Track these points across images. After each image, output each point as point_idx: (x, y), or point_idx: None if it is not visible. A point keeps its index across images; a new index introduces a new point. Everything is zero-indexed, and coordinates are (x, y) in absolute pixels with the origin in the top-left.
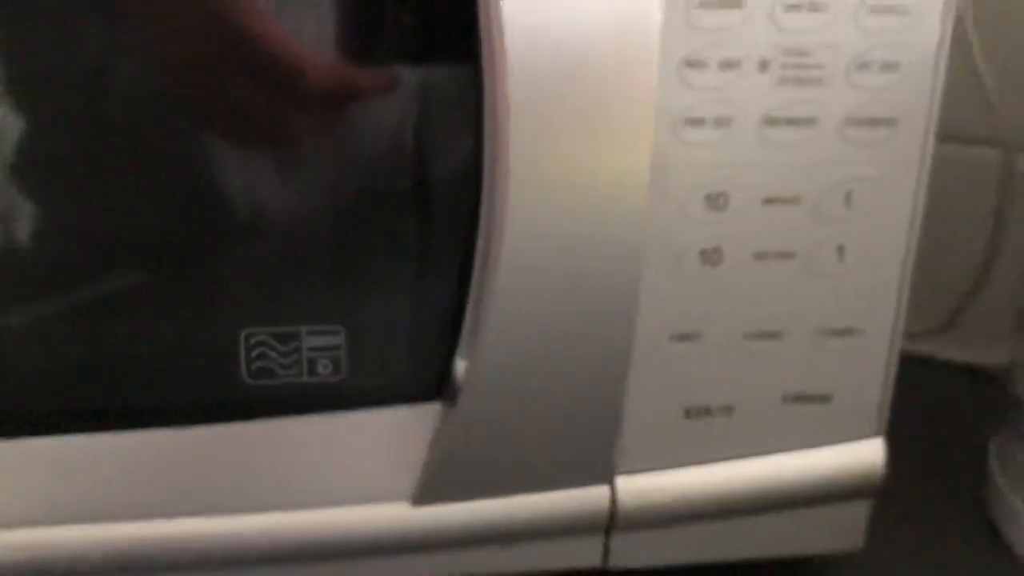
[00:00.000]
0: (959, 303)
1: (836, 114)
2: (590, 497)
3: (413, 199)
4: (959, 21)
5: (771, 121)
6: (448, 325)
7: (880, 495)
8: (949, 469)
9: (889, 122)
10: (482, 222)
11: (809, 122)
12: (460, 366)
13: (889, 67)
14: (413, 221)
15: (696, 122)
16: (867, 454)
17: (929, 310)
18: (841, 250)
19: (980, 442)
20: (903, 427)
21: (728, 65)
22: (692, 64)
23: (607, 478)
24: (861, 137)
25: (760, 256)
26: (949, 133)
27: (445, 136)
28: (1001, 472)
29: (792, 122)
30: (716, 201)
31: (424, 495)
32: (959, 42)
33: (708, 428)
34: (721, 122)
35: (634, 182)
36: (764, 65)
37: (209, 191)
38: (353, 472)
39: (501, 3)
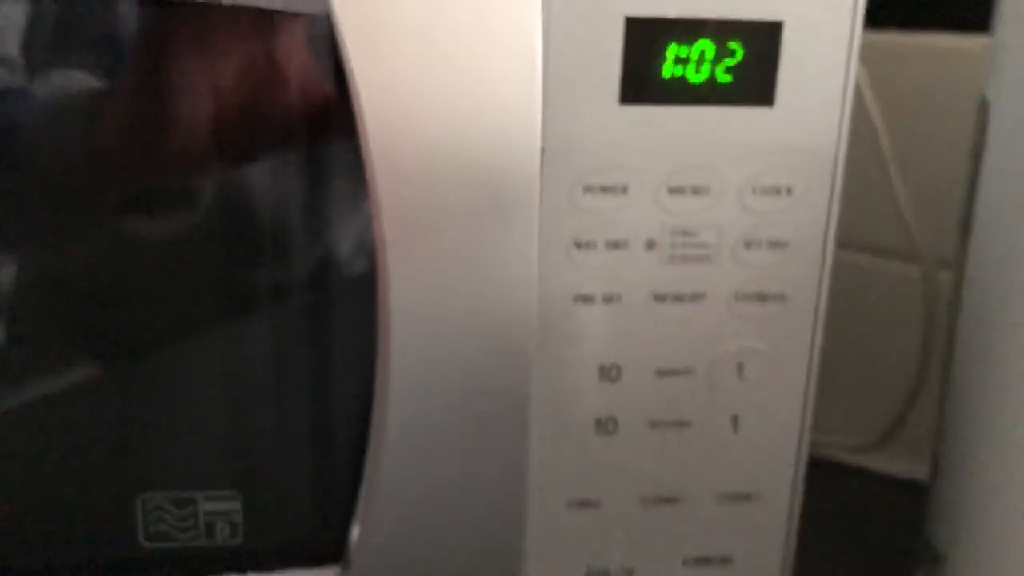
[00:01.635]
0: (897, 416)
1: (724, 290)
2: None
3: (311, 370)
4: (876, 142)
5: (660, 297)
6: (347, 491)
7: None
8: None
9: (778, 297)
10: (376, 396)
11: (698, 298)
12: (354, 532)
13: (776, 245)
14: (311, 393)
15: (586, 298)
16: None
17: (868, 423)
18: (735, 419)
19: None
20: (836, 537)
21: (615, 245)
22: (580, 244)
23: None
24: (750, 312)
25: (655, 424)
26: (876, 249)
27: (340, 306)
28: None
29: (681, 298)
30: (609, 372)
31: None
32: (878, 164)
33: None
34: (611, 298)
35: (518, 358)
36: (651, 244)
37: (104, 354)
38: None
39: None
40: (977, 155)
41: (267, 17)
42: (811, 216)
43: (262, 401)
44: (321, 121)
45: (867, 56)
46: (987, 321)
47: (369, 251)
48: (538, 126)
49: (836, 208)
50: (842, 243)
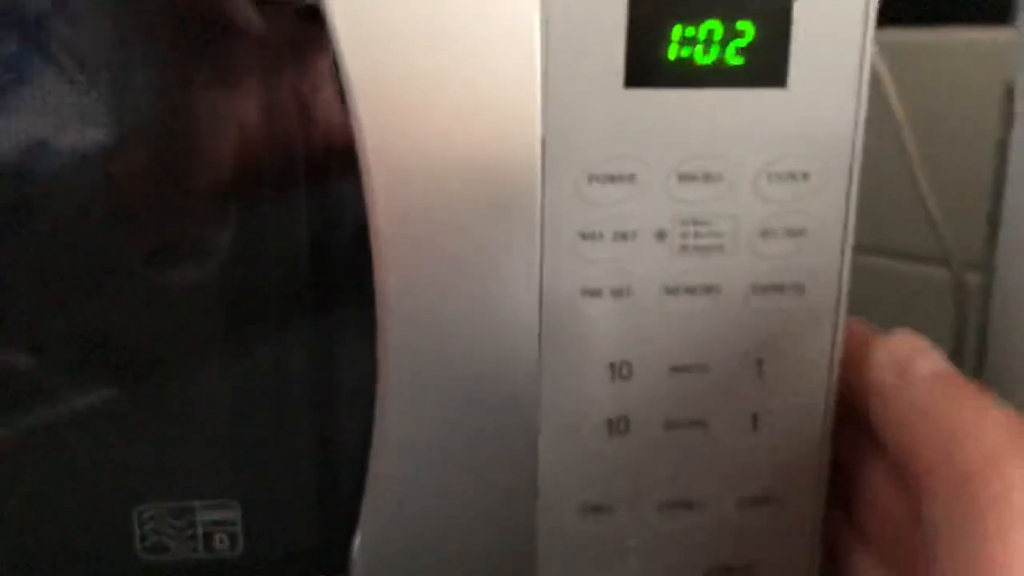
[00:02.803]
0: None
1: (741, 282)
2: None
3: (312, 378)
4: (900, 141)
5: (672, 290)
6: (349, 500)
7: None
8: None
9: (797, 288)
10: (377, 403)
11: (712, 290)
12: (357, 542)
13: (794, 233)
14: (313, 401)
15: (594, 292)
16: None
17: None
18: (755, 418)
19: None
20: None
21: (623, 236)
22: (586, 236)
23: None
24: (768, 305)
25: (670, 425)
26: (903, 252)
27: (339, 311)
28: None
29: (694, 291)
30: (619, 370)
31: None
32: (903, 164)
33: None
34: (619, 292)
35: (523, 358)
36: (661, 235)
37: (105, 364)
38: None
39: (376, 204)
40: (1003, 146)
41: (263, 34)
42: (829, 202)
43: (263, 410)
44: (316, 120)
45: (888, 53)
46: (1019, 322)
47: (367, 254)
48: (537, 115)
49: (855, 193)
50: (869, 247)
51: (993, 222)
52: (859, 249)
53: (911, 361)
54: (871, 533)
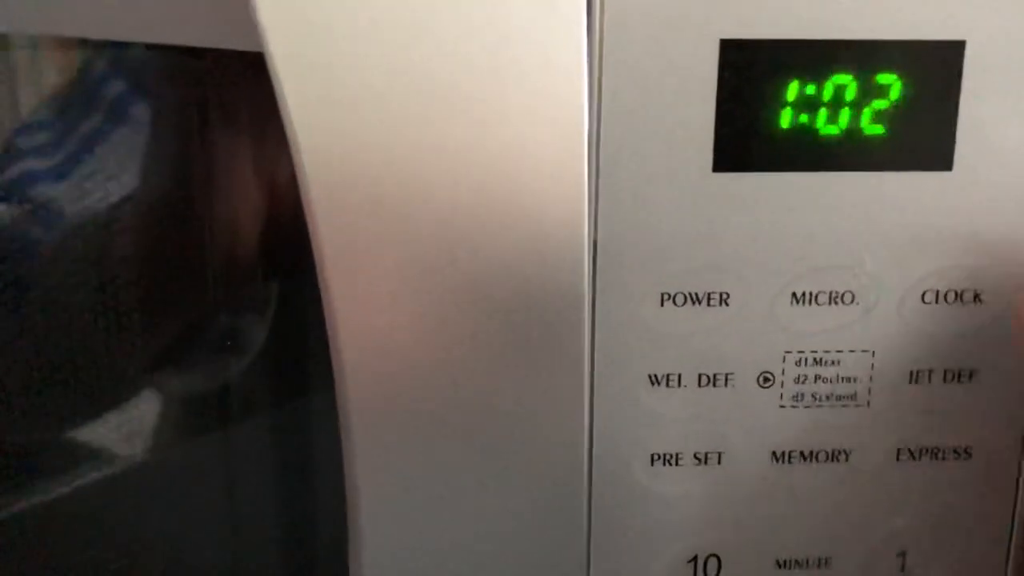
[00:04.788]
0: None
1: (879, 444)
2: None
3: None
4: None
5: (780, 456)
6: None
7: None
8: None
9: (961, 454)
10: None
11: (838, 456)
12: None
13: (958, 377)
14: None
15: (669, 459)
16: None
17: None
18: None
19: None
20: None
21: (711, 380)
22: (658, 380)
23: None
24: (918, 475)
25: None
26: None
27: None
28: None
29: (812, 457)
30: (704, 567)
31: None
32: None
33: None
34: (706, 458)
35: (569, 547)
36: (767, 379)
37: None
38: None
39: None
40: None
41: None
42: (1009, 331)
43: None
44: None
45: None
46: None
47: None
48: (584, 211)
49: None
50: None
51: None
52: None
53: None
54: None
